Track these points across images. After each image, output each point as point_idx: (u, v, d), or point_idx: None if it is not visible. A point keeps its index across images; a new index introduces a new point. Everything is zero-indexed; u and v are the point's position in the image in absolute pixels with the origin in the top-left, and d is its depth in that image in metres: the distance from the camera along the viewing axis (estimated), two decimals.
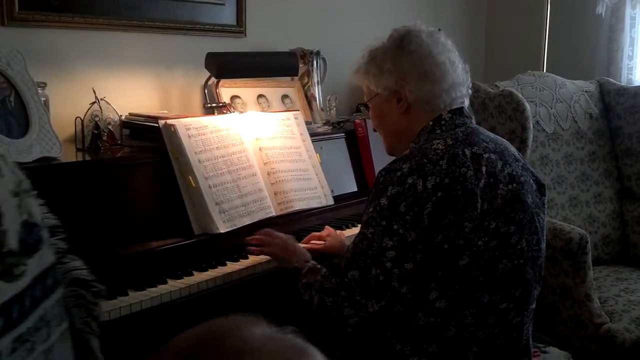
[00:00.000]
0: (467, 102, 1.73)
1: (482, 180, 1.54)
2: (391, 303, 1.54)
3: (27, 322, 0.94)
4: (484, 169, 1.55)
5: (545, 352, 2.10)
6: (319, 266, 1.74)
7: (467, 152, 1.56)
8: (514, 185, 1.59)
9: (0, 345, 0.89)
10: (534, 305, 1.68)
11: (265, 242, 1.90)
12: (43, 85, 1.93)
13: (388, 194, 1.53)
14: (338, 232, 2.11)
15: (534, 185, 1.66)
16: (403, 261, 1.51)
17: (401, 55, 1.68)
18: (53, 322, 1.00)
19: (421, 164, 1.53)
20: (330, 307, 1.58)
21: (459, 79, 1.69)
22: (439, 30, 1.77)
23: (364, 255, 1.55)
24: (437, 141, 1.58)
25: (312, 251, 2.00)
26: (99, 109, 2.03)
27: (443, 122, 1.65)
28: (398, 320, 1.57)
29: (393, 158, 1.66)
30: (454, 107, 1.67)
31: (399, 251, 1.51)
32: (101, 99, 2.04)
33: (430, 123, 1.66)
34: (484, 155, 1.57)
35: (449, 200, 1.50)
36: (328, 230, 2.08)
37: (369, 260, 1.54)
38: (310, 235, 2.06)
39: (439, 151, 1.55)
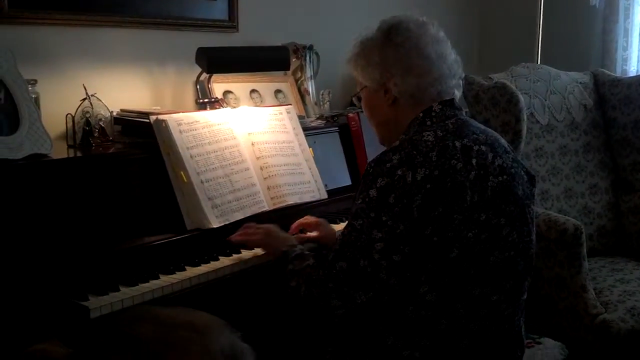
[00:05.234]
0: (458, 94, 1.73)
1: (472, 173, 1.53)
2: (379, 294, 1.53)
3: None
4: (474, 161, 1.54)
5: (539, 343, 2.10)
6: (306, 252, 1.74)
7: (457, 144, 1.55)
8: (504, 177, 1.58)
9: None
10: (525, 296, 1.68)
11: (248, 234, 1.90)
12: (33, 83, 1.93)
13: (377, 186, 1.53)
14: (332, 225, 2.11)
15: (524, 176, 1.66)
16: (391, 253, 1.50)
17: (387, 48, 1.68)
18: None
19: (411, 156, 1.53)
20: (317, 299, 1.57)
21: (448, 71, 1.68)
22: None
23: (352, 246, 1.54)
24: (427, 133, 1.58)
25: (306, 240, 1.99)
26: (90, 106, 2.03)
27: (433, 114, 1.65)
28: (388, 314, 1.57)
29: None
30: (445, 99, 1.67)
31: (387, 243, 1.50)
32: (92, 96, 2.04)
33: (421, 115, 1.66)
34: (474, 147, 1.57)
35: (439, 193, 1.49)
36: (315, 218, 2.06)
37: (357, 252, 1.53)
38: (296, 222, 2.04)
39: (429, 143, 1.54)
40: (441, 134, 1.57)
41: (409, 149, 1.55)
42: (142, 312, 0.65)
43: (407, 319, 1.55)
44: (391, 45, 1.67)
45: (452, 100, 1.69)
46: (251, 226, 1.92)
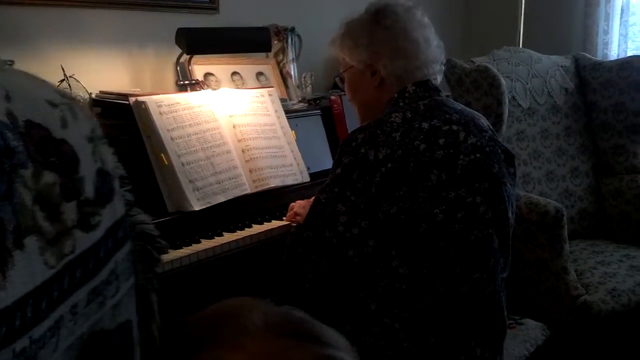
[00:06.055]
0: (440, 78, 1.77)
1: (439, 152, 1.57)
2: (342, 264, 1.59)
3: (101, 275, 0.89)
4: (441, 141, 1.58)
5: (521, 324, 2.12)
6: None
7: (425, 125, 1.59)
8: (477, 155, 1.61)
9: (77, 297, 0.84)
10: (504, 274, 1.69)
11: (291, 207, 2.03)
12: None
13: (342, 164, 1.60)
14: None
15: (502, 155, 1.68)
16: (352, 226, 1.56)
17: (376, 30, 1.71)
18: (122, 276, 0.95)
19: (375, 135, 1.58)
20: (289, 262, 1.66)
21: (432, 56, 1.73)
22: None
23: (318, 218, 1.62)
24: (396, 114, 1.62)
25: None
26: (68, 87, 2.00)
27: (407, 95, 1.69)
28: (366, 285, 1.60)
29: None
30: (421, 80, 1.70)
31: (349, 216, 1.56)
32: (70, 77, 2.00)
33: (395, 95, 1.70)
34: (444, 127, 1.60)
35: (401, 172, 1.54)
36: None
37: (322, 223, 1.60)
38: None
39: (395, 124, 1.59)
40: (410, 116, 1.61)
41: (373, 128, 1.60)
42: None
43: (385, 290, 1.58)
44: (379, 28, 1.70)
45: (427, 81, 1.72)
46: (296, 202, 2.03)
